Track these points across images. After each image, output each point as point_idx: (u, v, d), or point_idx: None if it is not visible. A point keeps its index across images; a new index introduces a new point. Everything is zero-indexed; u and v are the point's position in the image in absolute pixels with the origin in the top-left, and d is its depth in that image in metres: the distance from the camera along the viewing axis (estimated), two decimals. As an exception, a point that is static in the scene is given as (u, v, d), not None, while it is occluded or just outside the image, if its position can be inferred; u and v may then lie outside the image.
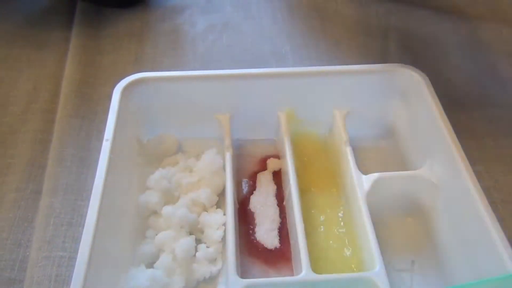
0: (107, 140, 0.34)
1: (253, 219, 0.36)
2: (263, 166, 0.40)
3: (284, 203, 0.37)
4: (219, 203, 0.37)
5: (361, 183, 0.35)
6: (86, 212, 0.30)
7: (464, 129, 0.41)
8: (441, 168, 0.34)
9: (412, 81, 0.38)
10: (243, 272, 0.33)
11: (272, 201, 0.37)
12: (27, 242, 0.35)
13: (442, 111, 0.35)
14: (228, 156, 0.37)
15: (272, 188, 0.38)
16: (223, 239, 0.34)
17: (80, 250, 0.28)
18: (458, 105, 0.44)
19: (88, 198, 0.35)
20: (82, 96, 0.45)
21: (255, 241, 0.35)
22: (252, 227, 0.35)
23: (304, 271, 0.30)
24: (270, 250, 0.34)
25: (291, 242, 0.34)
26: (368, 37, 0.51)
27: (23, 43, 0.51)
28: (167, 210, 0.35)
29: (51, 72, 0.47)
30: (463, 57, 0.49)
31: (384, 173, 0.35)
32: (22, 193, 0.38)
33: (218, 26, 0.53)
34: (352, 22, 0.53)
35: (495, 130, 0.42)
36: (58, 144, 0.40)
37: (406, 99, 0.39)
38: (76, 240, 0.35)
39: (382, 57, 0.48)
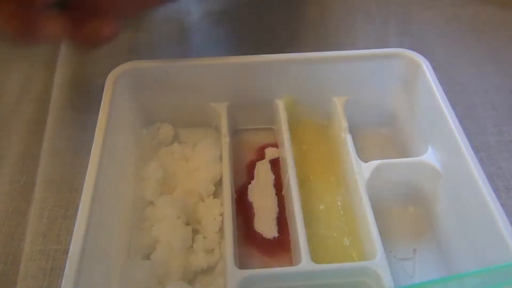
0: (100, 130, 0.33)
1: (251, 208, 0.35)
2: (261, 155, 0.39)
3: (282, 192, 0.36)
4: (216, 193, 0.36)
5: (361, 171, 0.34)
6: (81, 205, 0.29)
7: (465, 115, 0.40)
8: (444, 154, 0.33)
9: (413, 65, 0.37)
10: (241, 263, 0.32)
11: (271, 190, 0.36)
12: (21, 235, 0.34)
13: (444, 96, 0.34)
14: (225, 145, 0.36)
15: (270, 177, 0.37)
16: (221, 229, 0.34)
17: (72, 243, 0.27)
18: (459, 90, 0.43)
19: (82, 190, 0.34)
20: (76, 86, 0.44)
21: (253, 231, 0.34)
22: (250, 217, 0.35)
23: (304, 261, 0.29)
24: (269, 240, 0.34)
25: (290, 231, 0.34)
26: (368, 22, 0.50)
27: None
28: (163, 200, 0.34)
29: (44, 62, 0.46)
30: (464, 41, 0.48)
31: (385, 160, 0.34)
32: (15, 186, 0.37)
33: (214, 14, 0.52)
34: (351, 7, 0.52)
35: (497, 115, 0.41)
36: (52, 136, 0.40)
37: (407, 84, 0.38)
38: (71, 233, 0.34)
39: (382, 43, 0.47)
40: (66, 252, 0.33)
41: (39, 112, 0.42)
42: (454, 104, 0.34)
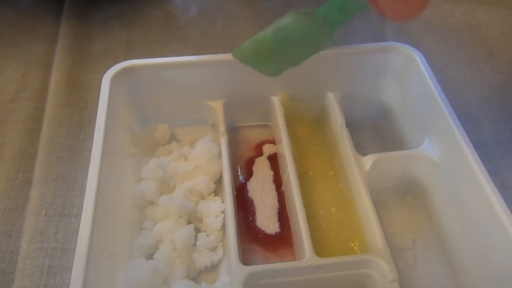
0: (99, 130, 0.32)
1: (252, 205, 0.35)
2: (258, 152, 0.39)
3: (282, 188, 0.36)
4: (217, 191, 0.36)
5: (360, 165, 0.34)
6: (78, 203, 0.29)
7: (462, 113, 0.40)
8: (441, 145, 0.34)
9: (406, 58, 0.37)
10: (244, 260, 0.32)
11: (270, 186, 0.36)
12: (18, 233, 0.34)
13: (439, 87, 0.34)
14: (224, 142, 0.36)
15: (269, 173, 0.37)
16: (223, 227, 0.34)
17: (78, 244, 0.27)
18: (455, 88, 0.43)
19: (80, 188, 0.34)
20: (72, 84, 0.43)
21: (255, 228, 0.34)
22: (251, 213, 0.35)
23: (308, 255, 0.30)
24: (271, 236, 0.34)
25: (292, 227, 0.34)
26: (364, 20, 0.50)
27: (12, 29, 0.49)
28: (164, 200, 0.34)
29: (41, 59, 0.46)
30: (460, 39, 0.48)
31: (383, 153, 0.35)
32: (12, 183, 0.36)
33: (210, 11, 0.52)
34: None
35: (493, 113, 0.41)
36: (49, 133, 0.39)
37: (401, 77, 0.38)
38: (69, 231, 0.34)
39: (379, 41, 0.47)
40: (64, 249, 0.33)
41: (36, 109, 0.41)
42: (450, 102, 0.34)
